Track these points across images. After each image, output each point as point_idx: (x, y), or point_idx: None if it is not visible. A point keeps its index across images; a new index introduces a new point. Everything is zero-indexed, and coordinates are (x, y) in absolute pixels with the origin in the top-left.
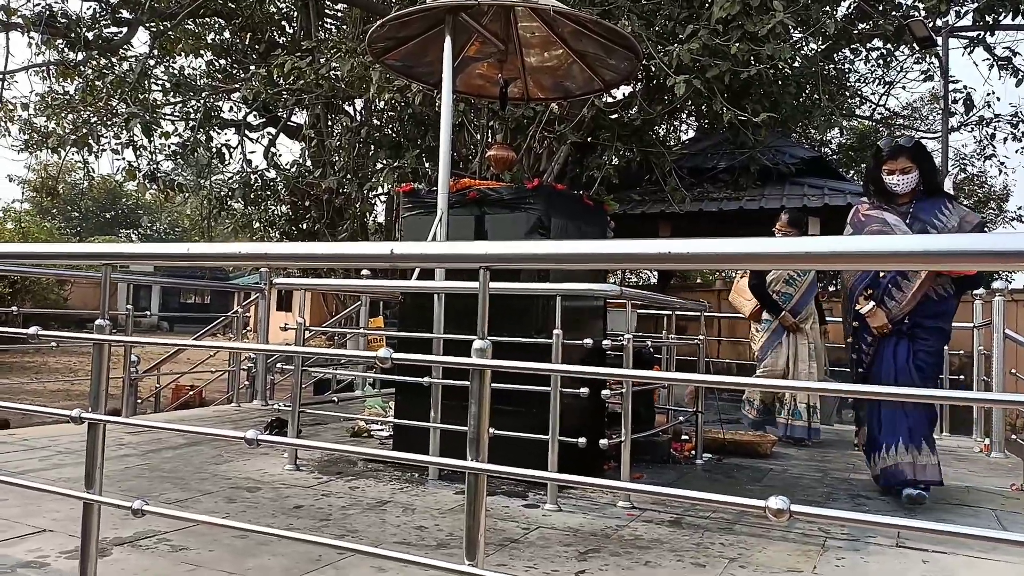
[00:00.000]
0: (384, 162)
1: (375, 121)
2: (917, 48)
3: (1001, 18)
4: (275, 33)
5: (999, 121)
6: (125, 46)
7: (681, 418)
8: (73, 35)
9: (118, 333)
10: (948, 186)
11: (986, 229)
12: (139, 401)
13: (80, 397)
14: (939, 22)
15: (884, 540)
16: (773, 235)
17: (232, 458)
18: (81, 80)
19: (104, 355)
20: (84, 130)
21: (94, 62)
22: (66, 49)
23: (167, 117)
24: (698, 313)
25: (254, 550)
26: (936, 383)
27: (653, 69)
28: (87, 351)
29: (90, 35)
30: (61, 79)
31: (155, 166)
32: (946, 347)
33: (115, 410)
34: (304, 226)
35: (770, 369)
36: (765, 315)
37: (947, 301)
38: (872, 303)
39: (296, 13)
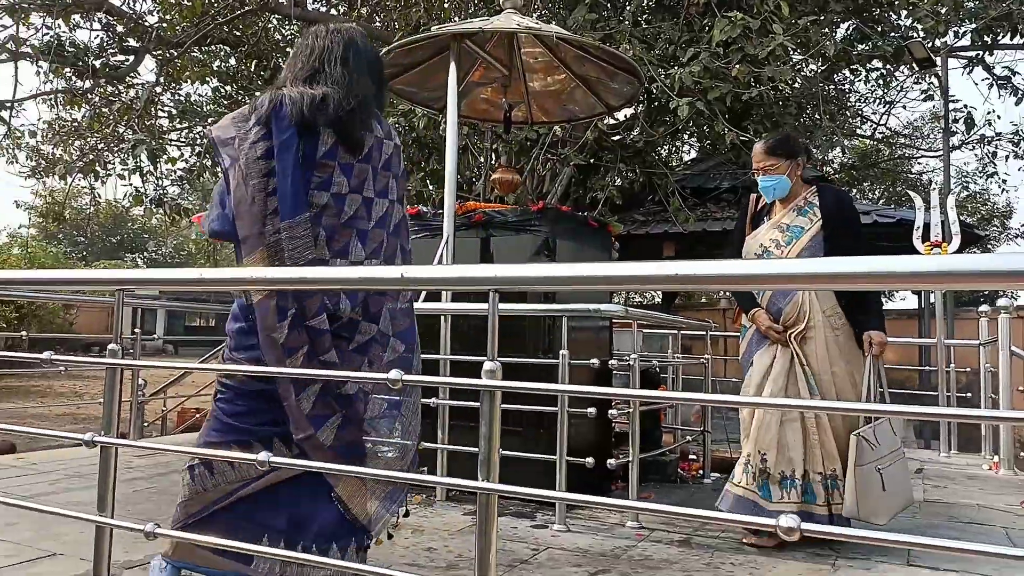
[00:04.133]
0: None
1: None
2: (916, 68)
3: (1000, 38)
4: (280, 59)
5: (1000, 139)
6: (132, 74)
7: (688, 438)
8: (81, 63)
9: (127, 357)
10: (950, 204)
11: None
12: (145, 424)
13: (85, 421)
14: (938, 42)
15: (895, 559)
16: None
17: None
18: (88, 107)
19: (116, 379)
20: (91, 156)
21: (101, 90)
22: (74, 77)
23: (173, 143)
24: (703, 332)
25: None
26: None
27: (655, 91)
28: (92, 375)
29: (97, 63)
30: (68, 107)
31: (161, 191)
32: None
33: (122, 434)
34: None
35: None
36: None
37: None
38: None
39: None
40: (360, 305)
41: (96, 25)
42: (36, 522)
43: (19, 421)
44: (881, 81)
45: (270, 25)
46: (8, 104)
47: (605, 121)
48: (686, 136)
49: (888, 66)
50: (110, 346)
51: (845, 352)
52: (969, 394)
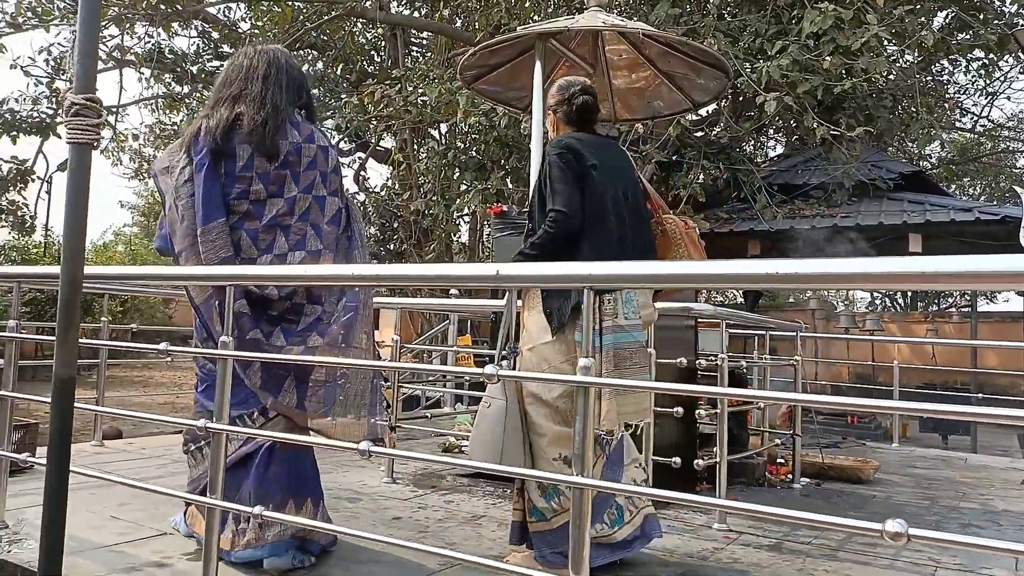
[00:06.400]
0: (469, 184)
1: (460, 144)
2: (1022, 57)
3: None
4: (365, 63)
5: None
6: None
7: (777, 441)
8: (179, 69)
9: None
10: None
11: None
12: None
13: (185, 409)
14: None
15: (1000, 571)
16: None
17: (332, 469)
18: (186, 111)
19: (228, 369)
20: None
21: (198, 94)
22: (173, 83)
23: None
24: (792, 334)
25: (359, 555)
26: None
27: (740, 86)
28: (190, 366)
29: (194, 69)
30: (168, 111)
31: None
32: None
33: None
34: (392, 247)
35: None
36: None
37: None
38: None
39: (384, 43)
40: (297, 290)
41: (193, 33)
42: (147, 503)
43: (126, 409)
44: (983, 71)
45: (355, 30)
46: (113, 109)
47: (688, 117)
48: (772, 131)
49: (991, 55)
50: (222, 338)
51: (532, 334)
52: None
